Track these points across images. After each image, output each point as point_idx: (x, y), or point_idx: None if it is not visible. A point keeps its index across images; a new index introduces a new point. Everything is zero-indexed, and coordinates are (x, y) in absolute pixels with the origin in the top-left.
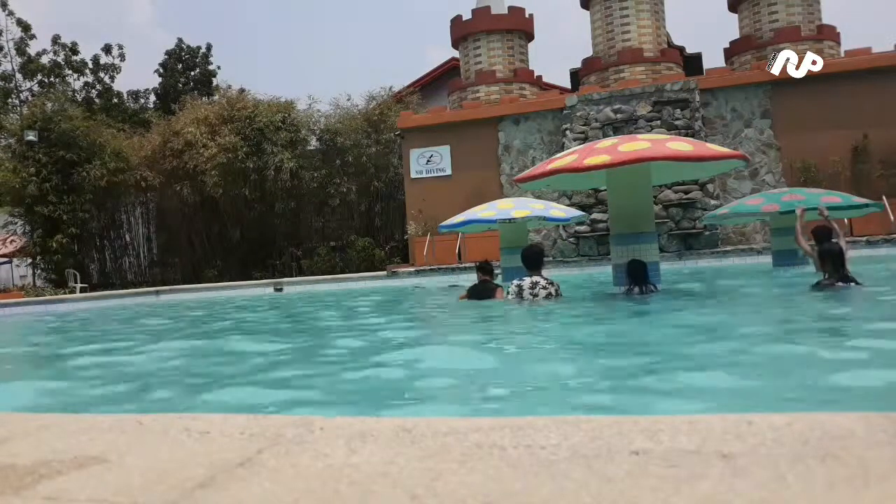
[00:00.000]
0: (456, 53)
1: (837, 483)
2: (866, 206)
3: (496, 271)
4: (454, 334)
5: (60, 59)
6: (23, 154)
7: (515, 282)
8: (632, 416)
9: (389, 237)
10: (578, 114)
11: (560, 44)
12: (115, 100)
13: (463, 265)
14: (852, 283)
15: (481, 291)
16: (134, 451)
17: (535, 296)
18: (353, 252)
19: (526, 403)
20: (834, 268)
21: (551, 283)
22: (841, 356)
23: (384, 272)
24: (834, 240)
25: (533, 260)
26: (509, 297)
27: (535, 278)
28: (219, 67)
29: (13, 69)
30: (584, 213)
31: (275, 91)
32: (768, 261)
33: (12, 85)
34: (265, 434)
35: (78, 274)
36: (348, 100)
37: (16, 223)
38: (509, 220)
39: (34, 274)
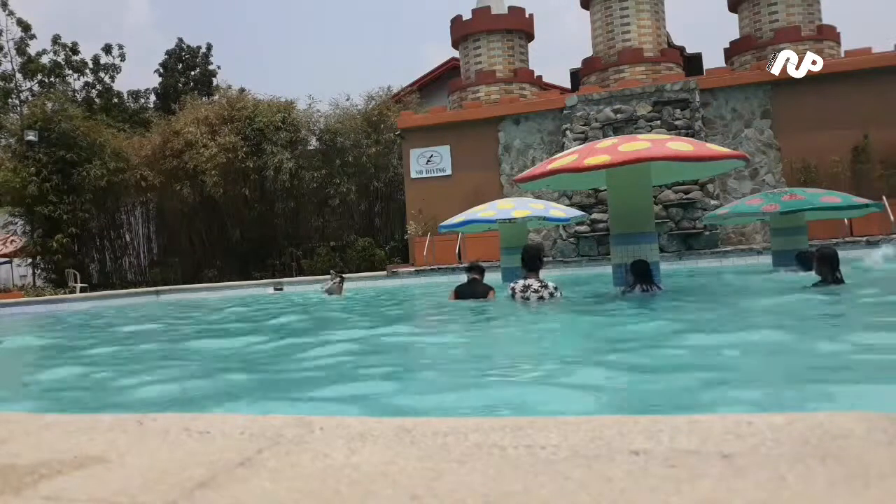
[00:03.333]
0: (456, 53)
1: (837, 483)
2: (866, 206)
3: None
4: (444, 334)
5: (60, 59)
6: (23, 154)
7: (511, 284)
8: (632, 416)
9: (389, 237)
10: (578, 114)
11: (560, 44)
12: (116, 100)
13: (463, 265)
14: (841, 284)
15: (472, 291)
16: (134, 451)
17: (527, 299)
18: (353, 252)
19: (525, 403)
20: (830, 269)
21: (545, 286)
22: (840, 355)
23: (384, 272)
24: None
25: (530, 259)
26: (505, 298)
27: (529, 281)
28: (219, 67)
29: (13, 69)
30: (584, 213)
31: (275, 91)
32: (768, 261)
33: (12, 85)
34: (265, 434)
35: (78, 274)
36: (347, 100)
37: (16, 223)
38: (509, 220)
39: (34, 274)
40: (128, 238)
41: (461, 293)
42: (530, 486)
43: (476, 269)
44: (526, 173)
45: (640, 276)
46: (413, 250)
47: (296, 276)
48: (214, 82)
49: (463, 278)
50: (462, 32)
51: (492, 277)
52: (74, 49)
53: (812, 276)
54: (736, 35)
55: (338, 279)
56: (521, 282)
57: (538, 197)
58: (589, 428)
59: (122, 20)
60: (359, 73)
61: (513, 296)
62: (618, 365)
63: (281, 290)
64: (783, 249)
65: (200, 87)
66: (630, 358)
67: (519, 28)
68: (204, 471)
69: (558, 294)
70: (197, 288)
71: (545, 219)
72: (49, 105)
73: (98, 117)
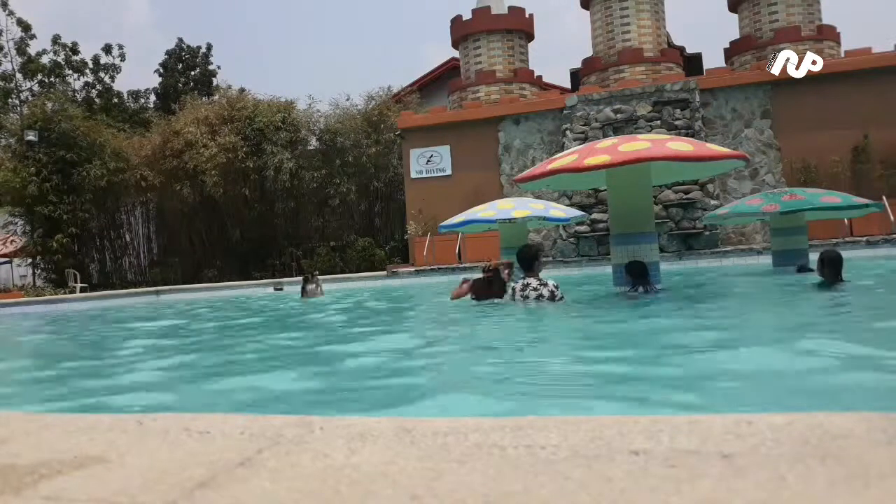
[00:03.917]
0: (456, 53)
1: (837, 483)
2: (866, 206)
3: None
4: (444, 332)
5: (60, 59)
6: (23, 154)
7: (510, 284)
8: (632, 416)
9: (389, 237)
10: (578, 114)
11: (560, 44)
12: (116, 100)
13: (463, 265)
14: (844, 283)
15: (488, 289)
16: (134, 451)
17: (527, 297)
18: (353, 252)
19: (525, 403)
20: (833, 272)
21: (544, 285)
22: (840, 355)
23: (384, 272)
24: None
25: (526, 260)
26: (506, 297)
27: (528, 280)
28: (219, 67)
29: (13, 69)
30: (584, 213)
31: (275, 91)
32: (768, 261)
33: (12, 85)
34: (265, 434)
35: (78, 274)
36: (347, 100)
37: (16, 223)
38: (509, 220)
39: (34, 274)
40: (128, 238)
41: (478, 292)
42: (530, 486)
43: (486, 270)
44: (526, 173)
45: (637, 276)
46: (413, 250)
47: (296, 276)
48: (214, 82)
49: (461, 278)
50: (462, 32)
51: None
52: (74, 49)
53: (814, 277)
54: (736, 35)
55: (309, 279)
56: (520, 281)
57: (538, 197)
58: (589, 428)
59: (122, 20)
60: (359, 73)
61: (512, 296)
62: (616, 365)
63: (281, 289)
64: (783, 249)
65: (200, 87)
66: (629, 358)
67: (519, 28)
68: (204, 471)
69: (558, 293)
70: (197, 288)
71: (545, 219)
72: (49, 105)
73: (98, 117)
